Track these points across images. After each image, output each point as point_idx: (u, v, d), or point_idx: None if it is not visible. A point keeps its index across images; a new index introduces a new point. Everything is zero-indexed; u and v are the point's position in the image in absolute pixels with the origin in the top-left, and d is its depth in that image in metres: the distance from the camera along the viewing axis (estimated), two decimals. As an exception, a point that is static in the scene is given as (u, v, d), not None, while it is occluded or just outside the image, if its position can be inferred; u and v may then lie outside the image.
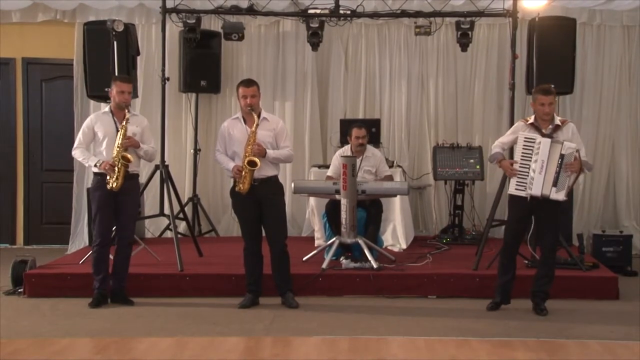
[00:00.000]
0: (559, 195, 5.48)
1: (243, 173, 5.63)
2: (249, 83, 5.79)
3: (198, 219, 8.37)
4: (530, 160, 5.52)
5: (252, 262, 5.87)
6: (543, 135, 5.55)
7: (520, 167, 5.56)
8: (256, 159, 5.59)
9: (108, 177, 5.68)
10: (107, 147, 5.78)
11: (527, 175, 5.53)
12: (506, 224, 6.03)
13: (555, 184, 5.46)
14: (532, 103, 5.79)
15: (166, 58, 7.33)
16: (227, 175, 5.99)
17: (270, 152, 5.71)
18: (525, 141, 5.57)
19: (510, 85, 7.08)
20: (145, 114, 7.37)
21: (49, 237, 8.69)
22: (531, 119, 5.70)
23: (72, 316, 5.60)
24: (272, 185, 5.82)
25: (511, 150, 5.97)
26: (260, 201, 5.75)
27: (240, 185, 5.67)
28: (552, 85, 5.95)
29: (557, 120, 5.65)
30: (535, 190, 5.50)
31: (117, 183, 5.67)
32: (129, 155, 5.68)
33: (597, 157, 8.40)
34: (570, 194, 7.49)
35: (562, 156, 5.43)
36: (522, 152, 5.57)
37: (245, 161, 5.60)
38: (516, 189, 5.60)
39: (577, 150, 5.49)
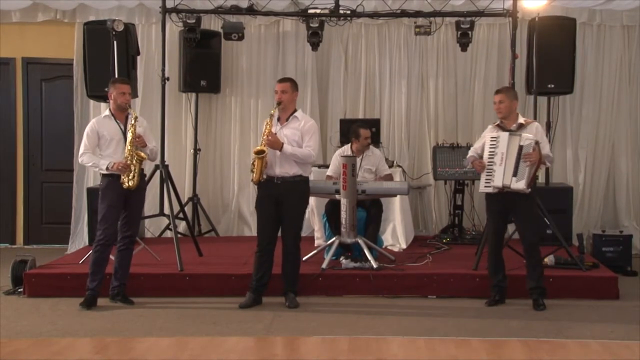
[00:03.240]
0: (520, 185, 5.62)
1: (252, 162, 5.69)
2: (282, 79, 6.00)
3: (198, 219, 8.37)
4: (494, 157, 5.73)
5: (260, 260, 5.84)
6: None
7: (488, 164, 5.77)
8: (264, 148, 5.61)
9: (123, 177, 5.70)
10: (115, 149, 5.80)
11: (492, 172, 5.72)
12: (486, 224, 6.11)
13: (515, 173, 5.62)
14: None
15: (166, 58, 7.33)
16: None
17: (288, 147, 5.69)
18: (490, 140, 5.83)
19: (510, 85, 7.07)
20: (145, 113, 7.39)
21: (49, 237, 8.70)
22: (498, 121, 5.94)
23: (72, 316, 5.60)
24: (295, 187, 5.80)
25: None
26: (280, 200, 5.75)
27: (253, 175, 5.69)
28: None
29: (522, 119, 5.87)
30: (497, 181, 5.68)
31: (133, 182, 5.70)
32: (142, 154, 5.72)
33: (597, 157, 8.41)
34: (570, 193, 7.59)
35: (520, 147, 5.62)
36: (489, 151, 5.80)
37: (253, 151, 5.65)
38: (485, 187, 5.81)
39: (537, 142, 5.65)
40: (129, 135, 5.73)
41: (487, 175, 5.76)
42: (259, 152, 5.64)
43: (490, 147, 5.77)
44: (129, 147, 5.71)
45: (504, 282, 5.87)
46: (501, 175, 5.65)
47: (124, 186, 5.69)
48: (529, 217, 5.82)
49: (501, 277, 5.87)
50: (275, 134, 5.73)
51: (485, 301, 5.87)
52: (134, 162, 5.70)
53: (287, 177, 5.75)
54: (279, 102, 5.76)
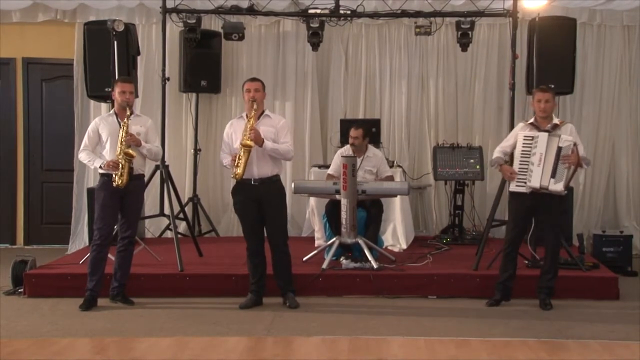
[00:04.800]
0: (558, 187, 5.56)
1: (238, 157, 5.62)
2: (253, 78, 5.92)
3: (198, 219, 8.37)
4: (529, 157, 5.64)
5: (254, 263, 5.86)
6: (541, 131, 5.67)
7: (520, 164, 5.68)
8: (250, 142, 5.57)
9: (113, 175, 5.69)
10: (111, 147, 5.79)
11: (527, 171, 5.61)
12: (507, 222, 6.07)
13: (553, 175, 5.56)
14: (532, 102, 5.92)
15: (166, 58, 7.34)
16: (228, 168, 5.91)
17: (268, 143, 5.66)
18: (524, 139, 5.72)
19: (510, 85, 7.09)
20: (145, 113, 7.34)
21: (49, 237, 8.70)
22: (531, 119, 5.84)
23: (72, 316, 5.60)
24: (273, 186, 5.80)
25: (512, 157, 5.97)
26: (260, 201, 5.74)
27: (237, 170, 5.62)
28: (552, 86, 6.03)
29: (556, 120, 5.78)
30: (534, 182, 5.60)
31: (122, 180, 5.67)
32: (131, 151, 5.68)
33: (597, 157, 8.41)
34: (570, 193, 7.59)
35: (559, 148, 5.55)
36: (522, 150, 5.72)
37: (240, 143, 5.60)
38: (517, 186, 5.72)
39: (575, 144, 5.59)
40: (120, 133, 5.73)
41: (520, 174, 5.67)
42: (247, 145, 5.60)
43: (525, 147, 5.68)
44: (119, 145, 5.71)
45: (510, 281, 5.85)
46: (539, 175, 5.56)
47: (114, 184, 5.68)
48: (557, 219, 5.79)
49: (507, 276, 5.84)
50: (254, 129, 5.66)
51: (486, 301, 5.85)
52: (123, 160, 5.68)
53: (264, 178, 5.74)
54: (254, 99, 5.72)
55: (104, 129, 5.84)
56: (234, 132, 5.80)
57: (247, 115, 5.77)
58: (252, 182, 5.72)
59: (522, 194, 5.70)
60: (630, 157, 8.42)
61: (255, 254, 5.85)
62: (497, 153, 5.92)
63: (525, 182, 5.65)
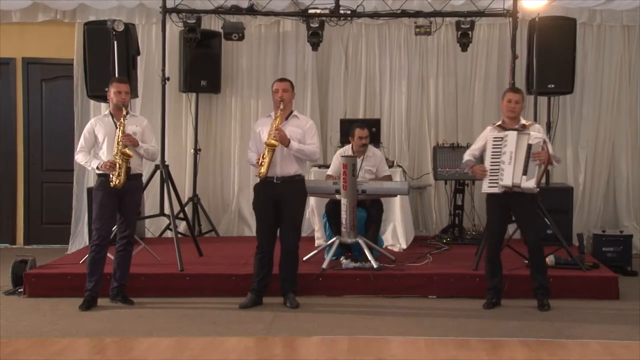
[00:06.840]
0: (530, 184, 5.57)
1: (262, 156, 5.66)
2: (282, 79, 6.02)
3: (198, 218, 8.37)
4: (499, 156, 5.66)
5: (261, 262, 5.85)
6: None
7: (491, 164, 5.70)
8: (275, 142, 5.60)
9: (111, 175, 5.69)
10: (107, 147, 5.79)
11: (499, 171, 5.63)
12: (486, 226, 6.08)
13: (525, 172, 5.57)
14: (501, 102, 5.90)
15: (166, 58, 7.33)
16: (254, 165, 5.91)
17: (294, 143, 5.70)
18: (493, 140, 5.75)
19: (510, 85, 7.07)
20: (145, 113, 7.39)
21: (49, 237, 8.69)
22: (499, 122, 5.87)
23: (72, 316, 5.60)
24: (295, 186, 5.81)
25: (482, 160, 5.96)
26: (279, 200, 5.75)
27: (261, 169, 5.65)
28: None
29: (523, 121, 5.81)
30: (507, 180, 5.61)
31: (119, 180, 5.67)
32: (128, 151, 5.68)
33: (597, 157, 8.41)
34: (569, 193, 7.59)
35: (529, 146, 5.58)
36: (492, 151, 5.73)
37: (264, 142, 5.63)
38: (489, 187, 5.74)
39: (544, 141, 5.61)
40: (117, 133, 5.73)
41: (492, 174, 5.68)
42: (271, 145, 5.63)
43: (495, 147, 5.70)
44: (116, 145, 5.71)
45: (500, 284, 5.85)
46: (511, 174, 5.57)
47: (111, 184, 5.68)
48: (532, 217, 5.81)
49: (497, 280, 5.85)
50: (280, 129, 5.70)
51: (483, 303, 5.82)
52: (120, 159, 5.68)
53: (286, 177, 5.76)
54: (282, 99, 5.75)
55: (100, 130, 5.84)
56: (262, 130, 5.83)
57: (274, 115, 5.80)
58: (275, 180, 5.74)
59: (495, 195, 5.72)
60: (630, 157, 8.42)
61: (264, 253, 5.84)
62: (467, 156, 5.94)
63: (497, 182, 5.66)
